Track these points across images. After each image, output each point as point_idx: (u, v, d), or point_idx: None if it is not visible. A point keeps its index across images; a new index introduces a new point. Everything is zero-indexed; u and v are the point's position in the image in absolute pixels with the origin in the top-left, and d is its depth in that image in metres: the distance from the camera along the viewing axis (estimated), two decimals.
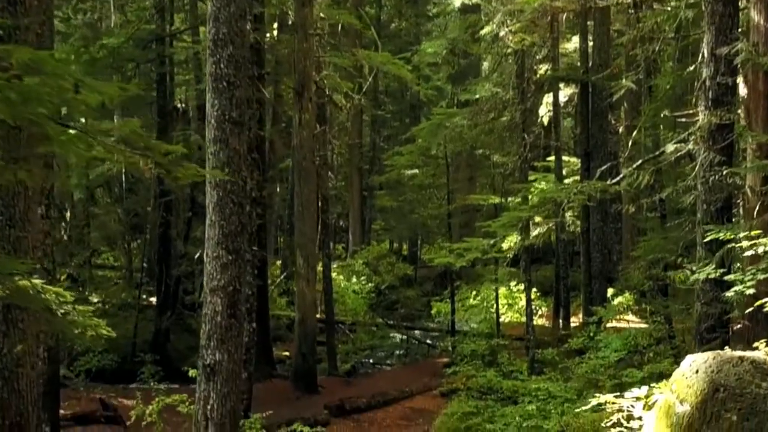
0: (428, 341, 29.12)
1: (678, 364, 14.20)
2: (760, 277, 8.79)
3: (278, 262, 34.14)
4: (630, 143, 19.95)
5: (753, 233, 8.59)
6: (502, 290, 28.06)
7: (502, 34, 22.04)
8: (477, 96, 26.12)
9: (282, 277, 31.39)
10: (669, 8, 17.64)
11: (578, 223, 25.76)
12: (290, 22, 24.08)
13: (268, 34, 24.73)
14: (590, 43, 24.15)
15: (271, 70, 25.40)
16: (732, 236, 9.12)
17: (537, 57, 25.03)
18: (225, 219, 11.46)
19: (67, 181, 25.29)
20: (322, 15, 22.91)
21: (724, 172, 11.35)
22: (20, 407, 9.37)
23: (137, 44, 24.40)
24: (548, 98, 28.06)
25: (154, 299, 25.94)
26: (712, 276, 10.21)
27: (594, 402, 8.36)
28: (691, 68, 14.69)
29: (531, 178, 26.34)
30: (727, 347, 8.74)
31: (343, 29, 29.07)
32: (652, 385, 8.00)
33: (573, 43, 28.87)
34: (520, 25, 21.59)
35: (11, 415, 9.16)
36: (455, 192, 32.71)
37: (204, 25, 17.50)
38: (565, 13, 23.21)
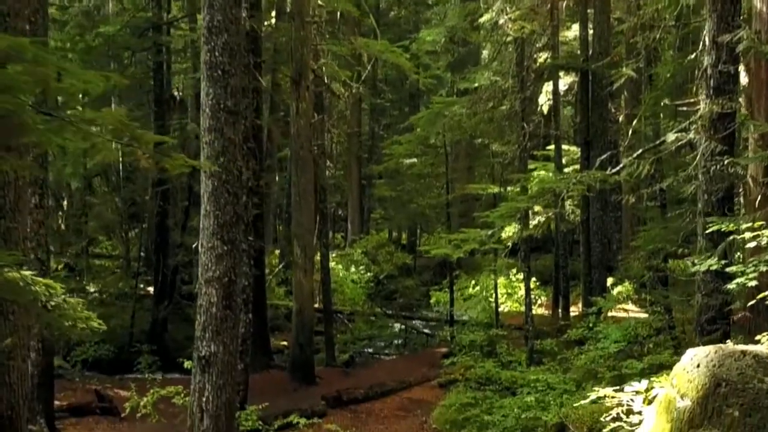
0: (427, 331, 29.03)
1: (678, 355, 14.10)
2: (763, 269, 8.65)
3: (277, 252, 34.03)
4: (630, 132, 19.80)
5: (756, 224, 8.44)
6: (502, 279, 27.96)
7: (501, 21, 21.87)
8: (476, 84, 25.91)
9: (280, 266, 31.28)
10: None
11: (578, 212, 25.64)
12: (288, 10, 23.86)
13: (266, 22, 24.54)
14: (590, 31, 23.96)
15: (268, 59, 25.20)
16: (734, 228, 8.96)
17: (537, 45, 24.82)
18: (220, 209, 11.33)
19: (62, 170, 25.11)
20: (320, 2, 22.70)
21: (726, 162, 11.19)
22: (11, 400, 9.24)
23: (133, 32, 24.23)
24: (548, 87, 27.90)
25: (151, 289, 25.83)
26: (714, 267, 10.05)
27: (593, 396, 8.23)
28: (692, 56, 14.52)
29: (530, 167, 26.18)
30: (729, 341, 8.58)
31: (342, 17, 28.93)
32: (652, 378, 7.88)
33: (573, 31, 28.69)
34: (519, 13, 21.42)
35: (1, 408, 9.02)
36: (454, 181, 32.57)
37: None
38: (565, 0, 23.05)
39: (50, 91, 4.75)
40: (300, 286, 21.59)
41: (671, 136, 12.85)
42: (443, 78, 39.12)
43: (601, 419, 8.25)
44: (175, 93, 27.42)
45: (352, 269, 33.12)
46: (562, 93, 28.48)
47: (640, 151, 13.60)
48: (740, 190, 13.20)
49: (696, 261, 10.56)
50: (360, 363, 24.50)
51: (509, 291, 29.83)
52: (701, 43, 12.81)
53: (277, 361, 23.39)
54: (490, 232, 14.02)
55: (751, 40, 11.28)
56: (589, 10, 24.11)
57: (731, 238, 9.18)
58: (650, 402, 7.41)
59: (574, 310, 25.21)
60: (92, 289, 25.79)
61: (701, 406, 6.37)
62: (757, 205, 10.70)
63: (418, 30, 38.34)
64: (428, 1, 42.87)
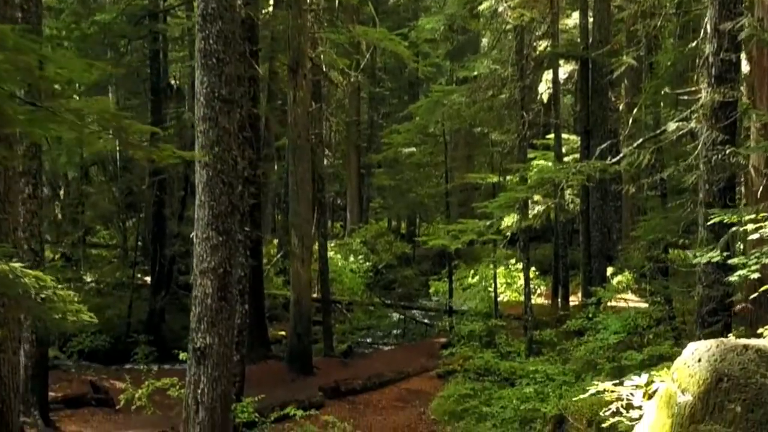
0: (426, 321, 28.95)
1: (678, 346, 14.03)
2: (765, 261, 8.50)
3: (275, 241, 33.90)
4: (630, 121, 19.65)
5: (759, 216, 8.29)
6: (501, 269, 27.84)
7: (501, 9, 21.73)
8: (475, 73, 25.75)
9: (278, 256, 31.15)
10: None
11: (577, 201, 25.50)
12: None
13: (263, 10, 24.35)
14: (590, 19, 23.77)
15: (266, 47, 25.02)
16: (736, 219, 8.81)
17: (536, 33, 24.67)
18: (215, 199, 11.21)
19: (57, 160, 24.94)
20: None
21: (727, 152, 11.03)
22: (2, 394, 9.14)
23: (129, 20, 23.99)
24: (548, 75, 27.73)
25: (149, 279, 25.71)
26: (715, 259, 9.91)
27: (592, 390, 8.08)
28: (693, 44, 14.36)
29: (530, 156, 26.05)
30: (730, 335, 8.44)
31: (340, 5, 28.63)
32: (652, 372, 7.71)
33: (573, 19, 28.50)
34: (519, 0, 21.27)
35: None
36: (453, 170, 32.42)
37: None
38: None
39: (34, 80, 4.58)
40: (297, 276, 21.48)
41: (672, 126, 12.69)
42: (443, 66, 38.94)
43: (601, 414, 8.11)
44: (172, 82, 27.25)
45: (351, 259, 33.01)
46: (561, 81, 28.31)
47: (640, 140, 13.43)
48: (741, 179, 13.08)
49: (697, 253, 10.40)
50: (358, 353, 24.40)
51: (508, 281, 29.72)
52: (702, 30, 12.65)
53: (275, 351, 23.30)
54: (488, 223, 13.88)
55: (754, 27, 11.11)
56: None
57: (734, 229, 9.02)
58: (650, 396, 7.26)
59: (574, 300, 25.09)
60: (89, 279, 25.65)
61: (702, 401, 6.23)
62: (759, 196, 10.55)
63: (417, 18, 38.11)
64: None
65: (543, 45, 25.41)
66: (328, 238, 32.76)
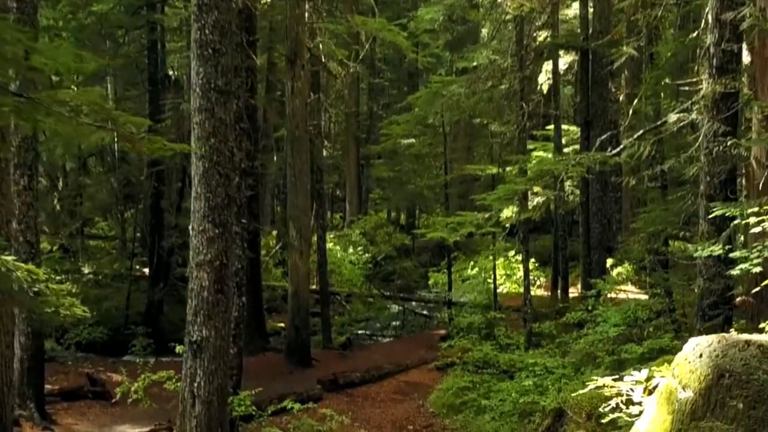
0: (425, 312, 28.88)
1: (678, 339, 13.93)
2: (767, 254, 8.39)
3: (274, 233, 33.80)
4: (630, 112, 19.48)
5: (762, 209, 8.17)
6: (500, 261, 27.76)
7: None
8: (475, 64, 25.60)
9: (277, 248, 31.06)
10: None
11: (577, 192, 25.40)
12: None
13: (262, 0, 24.19)
14: (590, 9, 23.66)
15: (264, 37, 24.88)
16: (739, 213, 8.69)
17: (536, 23, 24.52)
18: (211, 191, 11.11)
19: (54, 151, 24.82)
20: None
21: (729, 143, 10.91)
22: None
23: (127, 10, 23.86)
24: (548, 66, 27.61)
25: (147, 270, 25.60)
26: (717, 253, 9.79)
27: (592, 385, 7.99)
28: (694, 35, 14.23)
29: (530, 147, 25.94)
30: (732, 330, 8.34)
31: None
32: (652, 367, 7.61)
33: (573, 9, 28.39)
34: None
35: None
36: (453, 161, 32.31)
37: None
38: None
39: (21, 70, 4.47)
40: (296, 268, 21.39)
41: (673, 117, 12.57)
42: (442, 57, 38.81)
43: (600, 409, 8.02)
44: (170, 72, 27.06)
45: (350, 250, 32.93)
46: (561, 72, 28.22)
47: (641, 131, 13.31)
48: (741, 171, 12.95)
49: (699, 247, 10.28)
50: (357, 345, 24.32)
51: (508, 272, 29.67)
52: (703, 21, 12.53)
53: (274, 343, 23.22)
54: (487, 215, 13.77)
55: (756, 17, 10.98)
56: None
57: (735, 222, 8.90)
58: (650, 392, 7.17)
59: (573, 291, 25.05)
60: (87, 271, 25.55)
61: (704, 397, 6.13)
62: (761, 188, 10.43)
63: (416, 8, 37.81)
64: None
65: (543, 35, 25.29)
66: (328, 230, 32.69)
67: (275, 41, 25.80)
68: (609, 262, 24.43)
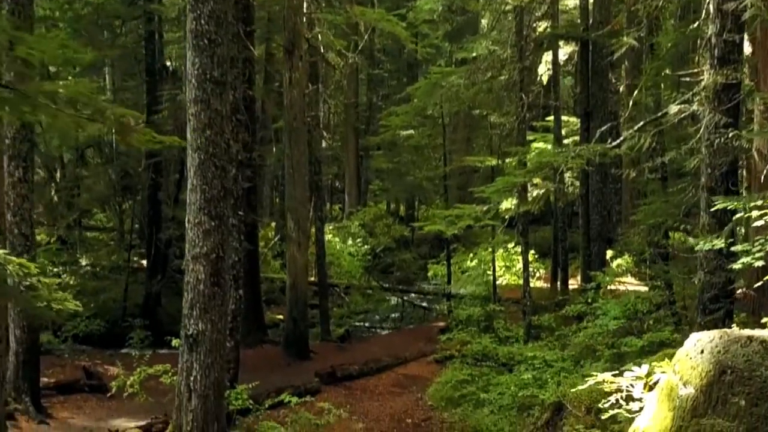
0: (424, 304, 28.80)
1: (678, 332, 13.84)
2: None
3: (273, 224, 33.71)
4: (631, 103, 19.35)
5: (766, 202, 8.04)
6: (500, 252, 27.66)
7: None
8: (474, 54, 25.45)
9: (276, 239, 30.97)
10: None
11: (577, 184, 25.29)
12: None
13: None
14: (590, 0, 23.48)
15: (262, 27, 24.74)
16: (741, 206, 8.56)
17: (536, 14, 24.38)
18: (207, 183, 11.01)
19: (51, 143, 24.68)
20: None
21: (730, 135, 10.76)
22: None
23: (123, 0, 23.69)
24: (547, 56, 27.49)
25: (146, 262, 25.48)
26: (719, 247, 9.67)
27: (591, 381, 7.88)
28: (695, 25, 14.07)
29: (530, 138, 25.82)
30: (734, 326, 8.23)
31: None
32: (653, 363, 7.51)
33: (573, 0, 28.21)
34: None
35: None
36: (452, 153, 32.20)
37: None
38: None
39: (3, 60, 4.35)
40: (294, 260, 21.30)
41: (674, 108, 12.42)
42: (442, 47, 38.67)
43: (600, 405, 7.92)
44: (168, 63, 26.90)
45: (349, 242, 32.85)
46: (561, 63, 28.09)
47: (641, 123, 13.16)
48: (742, 162, 12.85)
49: (701, 241, 10.15)
50: (356, 337, 24.25)
51: (507, 264, 29.58)
52: (704, 11, 12.36)
53: (272, 336, 23.16)
54: (485, 208, 13.64)
55: (758, 8, 10.83)
56: None
57: (738, 215, 8.78)
58: (651, 388, 7.07)
59: (573, 283, 24.95)
60: (84, 263, 25.43)
61: (705, 394, 6.03)
62: (763, 181, 10.31)
63: None
64: None
65: (543, 26, 25.16)
66: (327, 221, 32.63)
67: (273, 32, 25.64)
68: (609, 253, 24.31)
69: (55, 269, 24.23)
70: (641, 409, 6.99)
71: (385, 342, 23.38)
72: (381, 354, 20.70)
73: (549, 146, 25.61)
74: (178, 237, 24.07)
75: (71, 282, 23.66)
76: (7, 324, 14.23)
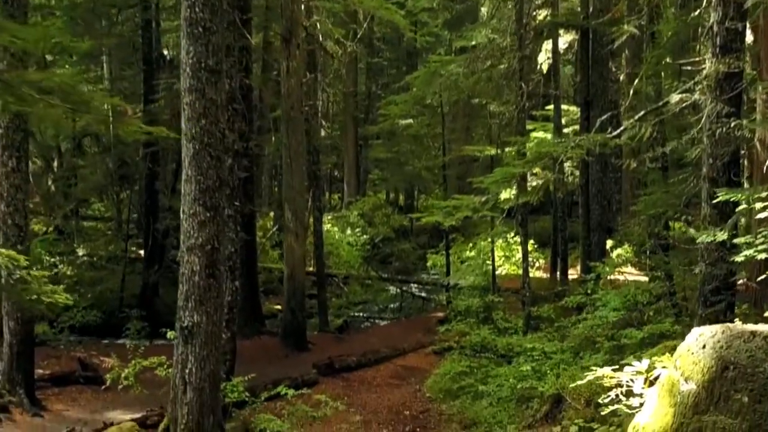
0: (423, 294, 28.71)
1: (679, 323, 13.71)
2: None
3: (271, 214, 33.60)
4: (631, 92, 19.20)
5: None
6: (499, 242, 27.54)
7: None
8: (474, 43, 25.27)
9: (274, 229, 30.86)
10: None
11: (577, 174, 25.15)
12: None
13: None
14: None
15: (260, 15, 24.55)
16: (745, 198, 8.41)
17: (536, 2, 24.22)
18: (202, 174, 10.87)
19: (45, 132, 24.51)
20: None
21: (732, 125, 10.59)
22: None
23: None
24: (547, 45, 27.34)
25: (143, 252, 25.37)
26: (722, 239, 9.51)
27: (591, 376, 7.77)
28: (696, 13, 13.90)
29: (529, 127, 25.67)
30: (737, 320, 8.08)
31: None
32: (653, 357, 7.39)
33: None
34: None
35: None
36: (452, 142, 32.06)
37: None
38: None
39: None
40: (291, 250, 21.19)
41: (675, 97, 12.25)
42: (441, 36, 38.47)
43: (600, 400, 7.80)
44: (165, 52, 26.71)
45: (348, 231, 32.76)
46: (561, 51, 27.95)
47: (642, 112, 12.98)
48: (743, 151, 12.69)
49: (704, 235, 9.98)
50: (354, 328, 24.17)
51: (507, 254, 29.49)
52: None
53: (270, 326, 23.08)
54: (483, 199, 13.47)
55: None
56: None
57: (742, 207, 8.61)
58: (652, 384, 6.95)
59: (573, 273, 24.86)
60: (81, 253, 25.30)
61: (707, 390, 5.93)
62: (765, 171, 10.15)
63: None
64: None
65: (543, 14, 25.01)
66: (326, 211, 32.51)
67: (271, 20, 25.42)
68: (609, 243, 24.20)
69: (52, 259, 24.13)
70: (641, 405, 6.88)
71: (384, 333, 23.30)
72: (379, 345, 20.61)
73: (549, 135, 25.47)
74: (175, 227, 23.88)
75: (68, 272, 23.56)
76: (1, 315, 14.15)
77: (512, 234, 28.74)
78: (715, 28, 11.10)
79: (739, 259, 8.62)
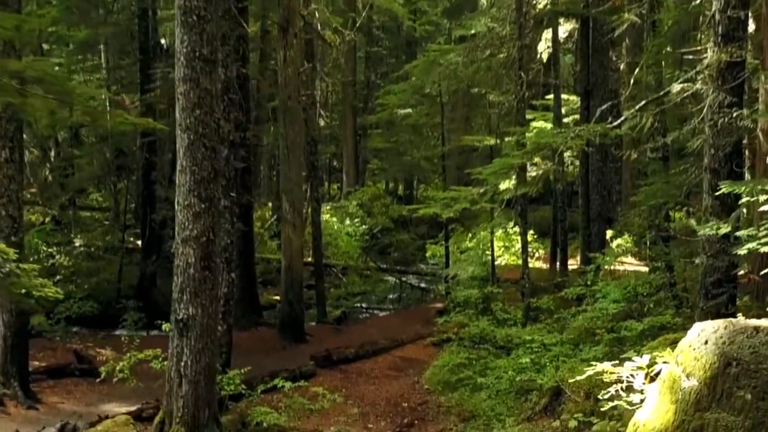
0: (422, 285, 28.61)
1: (679, 315, 13.59)
2: None
3: (270, 204, 33.46)
4: (632, 81, 19.05)
5: None
6: (499, 232, 27.41)
7: None
8: (473, 31, 25.06)
9: (273, 219, 30.74)
10: None
11: (577, 163, 25.01)
12: None
13: None
14: None
15: (258, 4, 24.37)
16: (748, 190, 8.26)
17: None
18: (197, 164, 10.78)
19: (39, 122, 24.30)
20: None
21: (734, 115, 10.45)
22: None
23: None
24: (547, 34, 27.13)
25: (141, 242, 25.25)
26: (725, 232, 9.37)
27: (590, 371, 7.64)
28: (697, 2, 13.79)
29: (529, 117, 25.50)
30: (739, 315, 7.94)
31: None
32: (654, 352, 7.26)
33: None
34: None
35: None
36: (451, 132, 31.88)
37: None
38: None
39: None
40: (289, 241, 21.06)
41: (676, 87, 12.10)
42: (441, 25, 38.26)
43: (600, 395, 7.68)
44: (163, 41, 26.48)
45: (347, 222, 32.63)
46: (561, 40, 27.75)
47: (642, 102, 12.83)
48: (745, 142, 12.55)
49: (706, 228, 9.83)
50: (353, 319, 24.06)
51: (506, 244, 29.38)
52: None
53: (268, 317, 23.00)
54: (482, 190, 13.33)
55: None
56: None
57: (745, 200, 8.46)
58: (652, 379, 6.83)
59: (573, 263, 24.74)
60: (78, 243, 25.16)
61: (709, 387, 5.83)
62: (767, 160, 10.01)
63: None
64: None
65: (543, 2, 24.74)
66: (325, 201, 32.37)
67: (268, 8, 25.24)
68: (609, 233, 24.06)
69: (49, 250, 24.02)
70: (642, 401, 6.76)
71: (382, 324, 23.19)
72: (378, 336, 20.51)
73: (549, 125, 25.30)
74: (172, 218, 23.63)
75: (65, 263, 23.45)
76: None
77: (512, 224, 28.58)
78: (717, 17, 10.94)
79: (741, 252, 8.48)
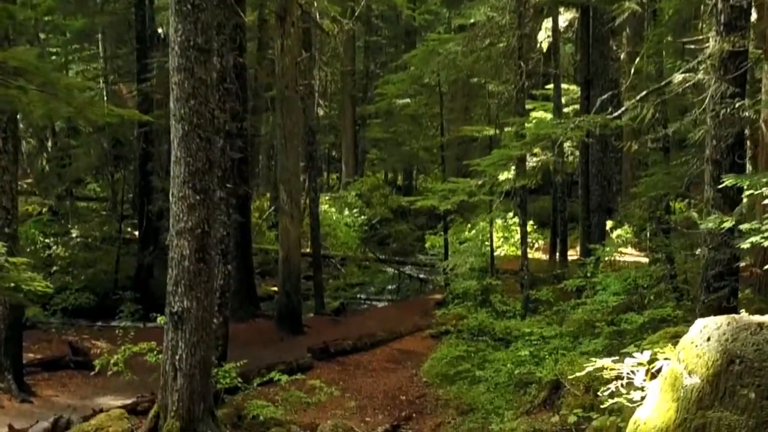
0: (421, 276, 28.50)
1: (680, 308, 13.44)
2: None
3: (268, 194, 33.33)
4: (632, 71, 18.91)
5: None
6: (498, 222, 27.29)
7: None
8: (472, 21, 24.87)
9: (271, 210, 30.61)
10: None
11: (577, 154, 24.87)
12: None
13: None
14: None
15: None
16: (752, 183, 8.11)
17: None
18: (191, 155, 10.62)
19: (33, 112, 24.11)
20: None
21: (737, 105, 10.30)
22: None
23: None
24: (547, 23, 26.93)
25: (138, 233, 25.12)
26: (728, 226, 9.21)
27: (590, 367, 7.50)
28: None
29: (529, 107, 25.32)
30: (742, 311, 7.82)
31: None
32: (655, 347, 7.13)
33: None
34: None
35: None
36: (450, 122, 31.72)
37: None
38: None
39: None
40: (286, 232, 20.93)
41: (678, 77, 11.95)
42: (440, 14, 38.05)
43: (599, 393, 7.55)
44: (160, 30, 26.30)
45: (346, 212, 32.51)
46: (561, 29, 27.55)
47: (643, 92, 12.67)
48: (747, 132, 12.38)
49: (707, 221, 9.68)
50: (351, 310, 23.96)
51: (506, 234, 29.27)
52: None
53: (266, 309, 22.88)
54: (480, 182, 13.18)
55: None
56: None
57: (748, 193, 8.31)
58: (653, 376, 6.69)
59: (573, 254, 24.60)
60: (75, 234, 25.04)
61: (712, 385, 5.70)
62: None
63: None
64: None
65: None
66: (323, 191, 32.21)
67: None
68: (609, 224, 23.93)
69: (46, 240, 23.91)
70: (643, 398, 6.63)
71: (381, 315, 23.10)
72: (376, 328, 20.41)
73: (548, 115, 25.14)
74: (169, 208, 23.60)
75: (62, 253, 23.34)
76: None
77: (511, 215, 28.46)
78: (719, 5, 10.79)
79: (744, 245, 8.33)
